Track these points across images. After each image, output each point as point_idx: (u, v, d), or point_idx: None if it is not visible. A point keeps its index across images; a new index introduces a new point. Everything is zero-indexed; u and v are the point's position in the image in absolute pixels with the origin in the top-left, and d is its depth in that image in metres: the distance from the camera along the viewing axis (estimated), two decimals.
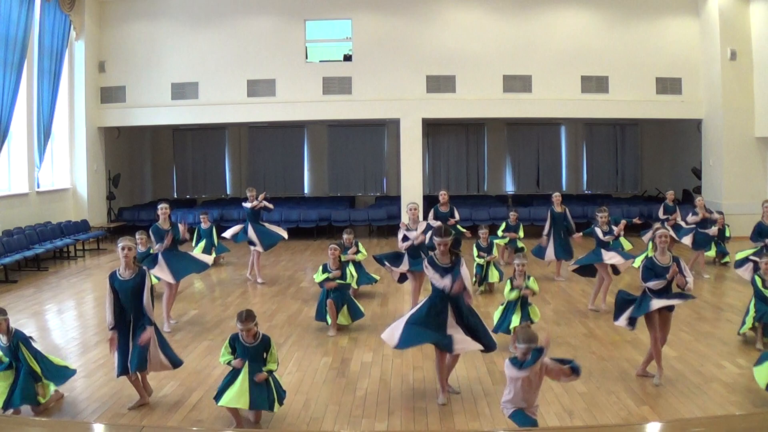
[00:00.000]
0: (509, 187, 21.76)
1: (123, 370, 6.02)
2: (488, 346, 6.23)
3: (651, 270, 6.52)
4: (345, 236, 10.42)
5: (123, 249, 6.03)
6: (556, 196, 11.82)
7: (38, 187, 15.42)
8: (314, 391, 6.47)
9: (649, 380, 6.58)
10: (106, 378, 6.84)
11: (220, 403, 5.54)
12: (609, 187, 21.57)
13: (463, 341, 6.04)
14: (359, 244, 10.61)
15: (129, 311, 6.03)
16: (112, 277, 6.06)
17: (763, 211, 10.18)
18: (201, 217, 13.83)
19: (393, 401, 6.19)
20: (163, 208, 9.04)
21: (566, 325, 8.73)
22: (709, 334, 8.22)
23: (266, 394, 5.57)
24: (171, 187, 21.80)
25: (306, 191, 21.67)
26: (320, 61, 18.15)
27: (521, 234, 12.70)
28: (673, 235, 11.16)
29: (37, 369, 5.92)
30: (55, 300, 10.84)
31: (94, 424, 5.71)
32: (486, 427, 5.61)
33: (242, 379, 5.52)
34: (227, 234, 11.94)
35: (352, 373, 7.00)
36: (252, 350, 5.58)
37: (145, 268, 6.24)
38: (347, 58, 18.07)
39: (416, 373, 6.93)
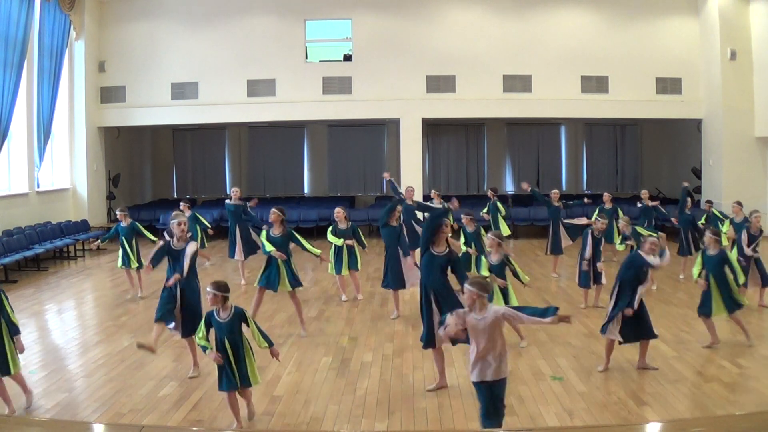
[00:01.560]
0: (509, 187, 21.75)
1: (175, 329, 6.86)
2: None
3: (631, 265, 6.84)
4: (336, 212, 10.05)
5: (179, 225, 6.94)
6: (555, 193, 12.19)
7: (38, 187, 15.43)
8: (314, 391, 6.47)
9: (649, 380, 6.58)
10: (106, 378, 6.85)
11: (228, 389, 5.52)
12: (609, 187, 21.49)
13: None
14: (357, 230, 10.08)
15: (173, 274, 6.84)
16: (168, 244, 6.98)
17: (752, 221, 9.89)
18: (182, 205, 12.88)
19: (393, 401, 6.19)
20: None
21: (566, 324, 8.71)
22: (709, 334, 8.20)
23: (246, 369, 5.51)
24: (171, 187, 21.80)
25: (306, 191, 21.67)
26: (320, 61, 18.16)
27: (503, 211, 13.06)
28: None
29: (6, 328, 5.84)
30: (55, 300, 10.83)
31: (94, 424, 5.70)
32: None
33: (230, 362, 5.50)
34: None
35: (352, 373, 7.00)
36: (226, 326, 5.49)
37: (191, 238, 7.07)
38: (347, 58, 18.07)
39: (416, 373, 6.93)
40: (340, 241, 9.98)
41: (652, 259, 6.80)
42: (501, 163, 21.74)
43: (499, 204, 13.23)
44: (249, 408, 5.82)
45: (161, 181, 21.88)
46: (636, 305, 6.67)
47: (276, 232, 8.34)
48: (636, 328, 6.77)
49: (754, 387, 6.33)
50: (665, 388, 6.35)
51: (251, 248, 11.58)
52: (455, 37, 17.54)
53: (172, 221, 7.03)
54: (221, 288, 5.50)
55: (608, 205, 12.64)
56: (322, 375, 6.91)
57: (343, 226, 10.01)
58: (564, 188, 21.39)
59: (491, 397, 4.71)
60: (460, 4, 17.77)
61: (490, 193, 13.47)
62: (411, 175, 17.42)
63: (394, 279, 9.10)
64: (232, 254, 11.76)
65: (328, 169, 21.41)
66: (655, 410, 5.84)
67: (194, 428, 5.67)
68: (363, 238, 10.22)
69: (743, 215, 10.51)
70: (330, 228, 10.21)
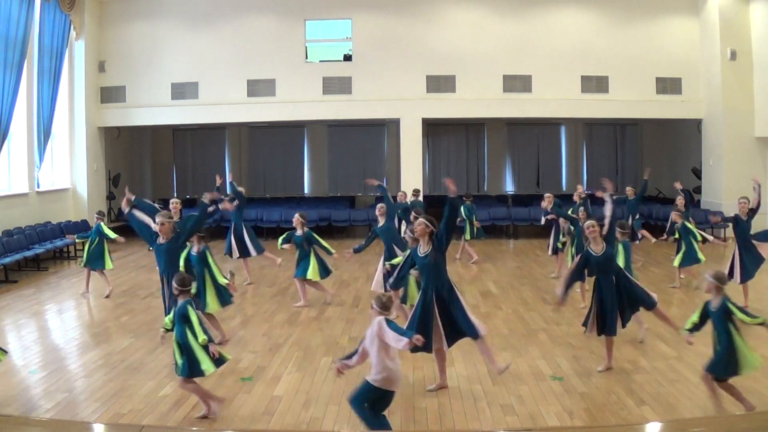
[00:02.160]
0: (509, 187, 21.76)
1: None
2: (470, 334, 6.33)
3: (586, 260, 6.90)
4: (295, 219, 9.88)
5: (157, 224, 7.16)
6: (548, 197, 12.09)
7: (38, 187, 15.42)
8: (314, 391, 6.47)
9: (649, 380, 6.58)
10: (106, 378, 6.85)
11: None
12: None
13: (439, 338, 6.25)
14: (312, 236, 9.76)
15: (162, 272, 7.15)
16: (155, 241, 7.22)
17: (739, 206, 9.96)
18: (173, 203, 11.83)
19: (393, 401, 6.18)
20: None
21: (567, 324, 8.73)
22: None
23: (184, 359, 5.69)
24: (171, 187, 21.79)
25: (306, 191, 21.67)
26: (320, 61, 18.16)
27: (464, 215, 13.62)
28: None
29: None
30: (55, 300, 10.84)
31: (94, 424, 5.71)
32: (486, 427, 5.62)
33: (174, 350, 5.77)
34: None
35: (352, 373, 6.98)
36: (174, 314, 5.83)
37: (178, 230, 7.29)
38: (347, 58, 18.07)
39: (416, 374, 6.92)
40: (279, 245, 10.05)
41: (594, 247, 6.87)
42: (501, 163, 21.74)
43: (462, 208, 13.58)
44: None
45: (161, 181, 21.87)
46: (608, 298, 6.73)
47: (194, 251, 8.10)
48: (625, 311, 6.87)
49: (754, 387, 6.32)
50: (665, 388, 6.35)
51: (245, 249, 11.67)
52: (455, 37, 17.54)
53: (156, 220, 7.33)
54: (176, 281, 5.88)
55: (577, 200, 12.88)
56: (322, 375, 6.91)
57: (299, 232, 9.82)
58: (564, 188, 21.39)
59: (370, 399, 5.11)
60: (460, 4, 17.76)
61: (464, 199, 14.16)
62: (411, 175, 17.43)
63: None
64: (228, 251, 11.96)
65: (328, 169, 21.41)
66: (655, 410, 5.85)
67: (194, 428, 5.68)
68: (324, 244, 9.86)
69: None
70: (285, 234, 10.05)
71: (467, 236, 13.84)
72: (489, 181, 21.66)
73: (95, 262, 10.95)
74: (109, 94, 17.79)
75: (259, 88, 17.66)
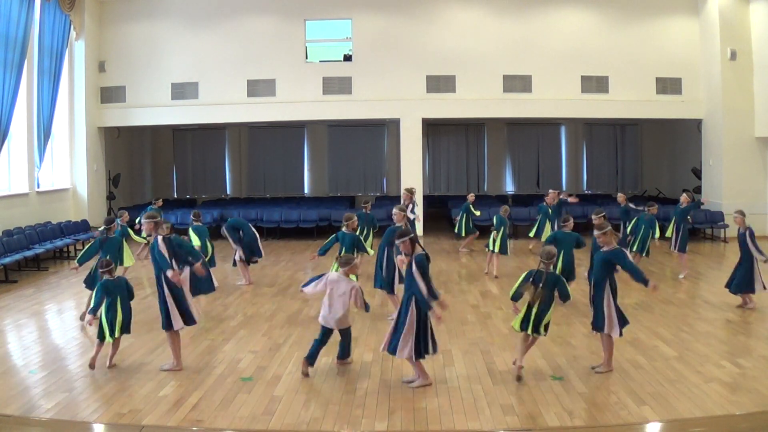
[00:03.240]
0: (509, 187, 21.77)
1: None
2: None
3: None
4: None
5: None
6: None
7: (38, 187, 15.43)
8: (314, 391, 6.47)
9: (649, 380, 6.58)
10: (106, 378, 6.85)
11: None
12: (609, 187, 21.56)
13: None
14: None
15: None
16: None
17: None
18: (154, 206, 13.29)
19: (393, 401, 6.19)
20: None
21: (566, 324, 8.73)
22: (709, 334, 8.22)
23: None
24: (171, 187, 21.82)
25: (306, 191, 21.69)
26: (320, 61, 18.16)
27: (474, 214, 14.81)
28: None
29: None
30: (55, 300, 10.83)
31: (94, 424, 5.72)
32: (486, 427, 5.62)
33: None
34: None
35: (352, 373, 7.00)
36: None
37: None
38: (347, 58, 18.07)
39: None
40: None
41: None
42: (501, 163, 21.75)
43: (471, 207, 14.87)
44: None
45: (161, 181, 21.89)
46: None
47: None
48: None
49: (754, 387, 6.33)
50: (665, 388, 6.35)
51: (251, 253, 11.67)
52: (455, 37, 17.55)
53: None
54: (100, 265, 7.35)
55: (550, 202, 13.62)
56: (322, 375, 6.91)
57: None
58: (564, 188, 21.39)
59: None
60: (460, 4, 17.77)
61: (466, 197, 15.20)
62: (411, 175, 17.43)
63: (382, 279, 9.09)
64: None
65: (328, 169, 21.42)
66: (655, 410, 5.85)
67: (194, 428, 5.68)
68: (193, 240, 10.45)
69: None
70: None
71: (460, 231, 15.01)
72: (489, 181, 21.67)
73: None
74: (109, 94, 17.80)
75: (259, 88, 17.67)
